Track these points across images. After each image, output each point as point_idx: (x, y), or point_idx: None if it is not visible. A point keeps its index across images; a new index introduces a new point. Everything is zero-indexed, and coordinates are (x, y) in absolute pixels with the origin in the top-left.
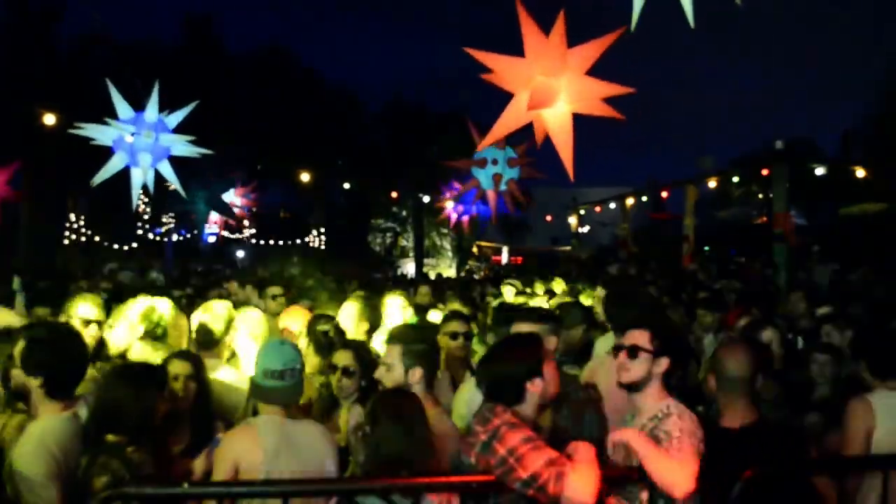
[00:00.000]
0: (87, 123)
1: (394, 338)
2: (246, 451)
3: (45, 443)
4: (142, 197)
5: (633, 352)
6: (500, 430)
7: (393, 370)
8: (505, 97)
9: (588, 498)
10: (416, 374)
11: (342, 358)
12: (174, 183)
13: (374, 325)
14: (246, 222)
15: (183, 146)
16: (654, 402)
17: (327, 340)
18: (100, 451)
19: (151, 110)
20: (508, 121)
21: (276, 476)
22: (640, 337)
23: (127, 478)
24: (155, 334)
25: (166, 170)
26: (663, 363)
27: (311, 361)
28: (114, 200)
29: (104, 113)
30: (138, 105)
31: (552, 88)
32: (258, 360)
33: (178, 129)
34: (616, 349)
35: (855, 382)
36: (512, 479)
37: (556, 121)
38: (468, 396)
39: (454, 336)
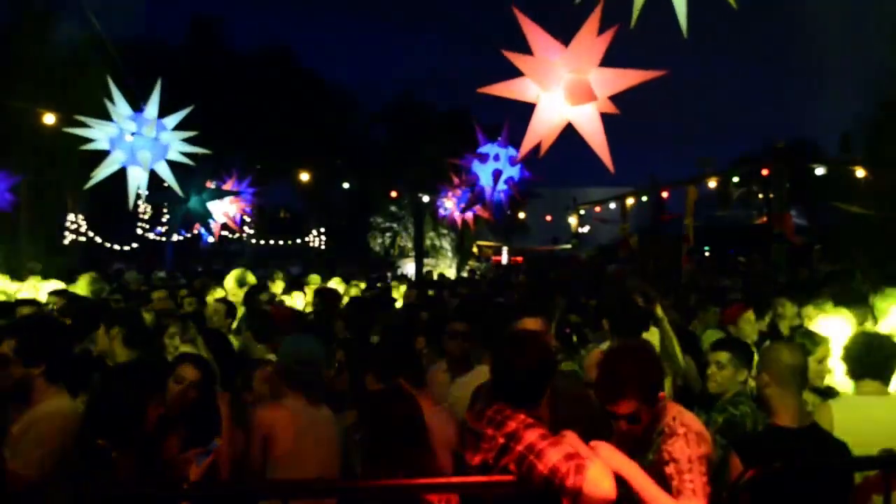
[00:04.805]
0: (89, 118)
1: None
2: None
3: (66, 417)
4: (141, 194)
5: None
6: (517, 432)
7: None
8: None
9: (608, 491)
10: None
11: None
12: (171, 183)
13: None
14: (247, 218)
15: (182, 144)
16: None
17: None
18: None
19: (152, 107)
20: (541, 125)
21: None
22: None
23: (87, 483)
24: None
25: (163, 170)
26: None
27: None
28: (114, 200)
29: (102, 112)
30: (136, 106)
31: (586, 83)
32: (286, 349)
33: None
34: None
35: None
36: (534, 475)
37: (588, 122)
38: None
39: (453, 335)
